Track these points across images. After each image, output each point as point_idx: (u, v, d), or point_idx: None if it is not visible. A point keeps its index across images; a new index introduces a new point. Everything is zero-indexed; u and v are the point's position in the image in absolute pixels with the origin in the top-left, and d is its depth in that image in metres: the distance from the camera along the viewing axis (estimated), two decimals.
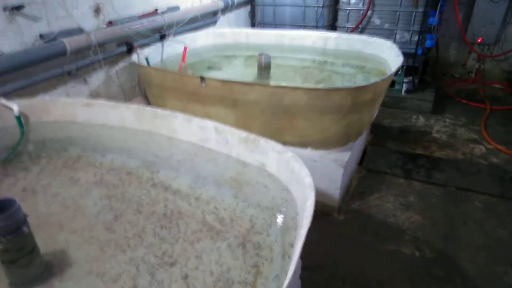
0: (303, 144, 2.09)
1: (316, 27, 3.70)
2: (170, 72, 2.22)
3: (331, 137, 2.05)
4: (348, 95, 1.86)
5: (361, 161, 2.70)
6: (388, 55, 2.45)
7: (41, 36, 1.85)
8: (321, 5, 3.64)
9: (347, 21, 3.64)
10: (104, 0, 2.20)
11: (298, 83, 2.57)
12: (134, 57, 2.30)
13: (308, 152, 2.10)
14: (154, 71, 2.24)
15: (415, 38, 3.39)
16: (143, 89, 2.57)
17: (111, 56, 2.27)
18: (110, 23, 2.24)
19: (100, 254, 1.18)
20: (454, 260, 1.84)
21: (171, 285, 1.08)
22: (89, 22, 2.13)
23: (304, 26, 3.75)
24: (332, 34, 2.97)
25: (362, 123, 2.15)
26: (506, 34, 3.95)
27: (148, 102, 2.50)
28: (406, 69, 3.50)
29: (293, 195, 1.20)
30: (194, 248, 1.20)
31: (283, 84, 1.88)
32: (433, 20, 3.37)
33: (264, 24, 3.98)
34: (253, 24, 4.09)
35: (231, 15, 3.74)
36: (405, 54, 2.31)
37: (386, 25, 3.48)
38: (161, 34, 2.60)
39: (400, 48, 2.37)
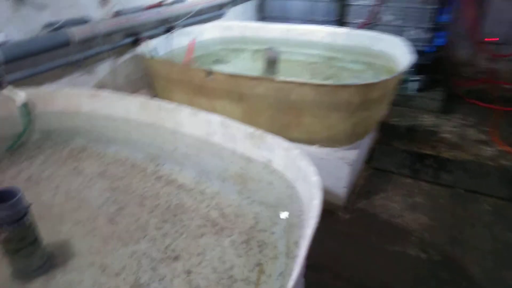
0: (310, 141, 2.06)
1: (325, 22, 3.65)
2: (176, 65, 2.20)
3: (339, 135, 2.02)
4: (357, 92, 1.82)
5: (368, 160, 2.67)
6: (398, 52, 2.41)
7: (47, 25, 1.83)
8: (331, 0, 3.58)
9: (357, 17, 3.58)
10: None
11: (305, 78, 2.54)
12: (140, 48, 2.28)
13: (315, 149, 2.07)
14: (160, 63, 2.22)
15: (427, 35, 3.33)
16: (149, 81, 2.55)
17: (117, 47, 2.25)
18: (116, 14, 2.22)
19: (103, 246, 1.16)
20: (461, 263, 1.81)
21: (173, 280, 1.06)
22: (95, 12, 2.10)
23: (313, 21, 3.70)
24: (341, 30, 2.92)
25: (371, 121, 2.11)
26: None
27: (154, 94, 2.48)
28: (416, 67, 3.44)
29: (299, 193, 1.17)
30: (197, 244, 1.18)
31: (290, 79, 1.85)
32: (446, 18, 3.30)
33: (272, 18, 3.93)
34: (261, 18, 4.05)
35: (238, 8, 3.70)
36: (415, 52, 2.27)
37: (397, 22, 3.42)
38: (168, 26, 2.57)
39: (411, 45, 2.32)
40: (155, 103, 1.59)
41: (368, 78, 2.54)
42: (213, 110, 2.00)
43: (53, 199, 1.36)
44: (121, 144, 1.68)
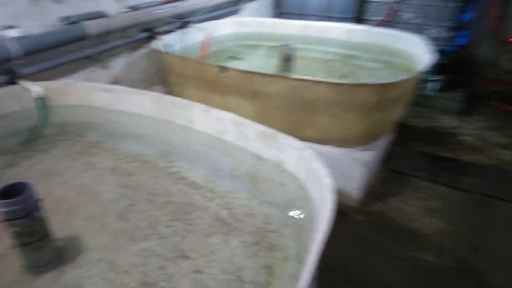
0: (324, 141, 2.02)
1: (343, 19, 3.58)
2: (190, 60, 2.18)
3: (354, 135, 1.97)
4: (374, 92, 1.77)
5: (384, 161, 2.61)
6: (417, 51, 2.33)
7: (63, 19, 1.84)
8: None
9: (376, 14, 3.50)
10: None
11: (320, 76, 2.49)
12: (155, 43, 2.27)
13: (329, 149, 2.02)
14: (175, 59, 2.21)
15: (448, 34, 3.23)
16: (163, 77, 2.55)
17: (132, 41, 2.25)
18: (132, 8, 2.21)
19: (112, 243, 1.16)
20: (478, 271, 1.75)
21: (181, 279, 1.05)
22: (111, 6, 2.10)
23: (330, 18, 3.63)
24: (359, 27, 2.86)
25: (387, 122, 2.06)
26: None
27: (168, 90, 2.48)
28: (437, 67, 3.34)
29: (310, 194, 1.14)
30: (206, 243, 1.16)
31: (305, 77, 1.81)
32: (468, 16, 3.19)
33: (288, 14, 3.88)
34: (277, 14, 4.00)
35: (254, 4, 3.67)
36: (436, 51, 2.19)
37: (417, 20, 3.33)
38: (183, 21, 2.56)
39: (431, 44, 2.25)
40: (168, 99, 1.58)
41: (386, 77, 2.47)
42: (226, 107, 1.98)
43: (65, 193, 1.36)
44: (133, 140, 1.67)
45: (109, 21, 1.96)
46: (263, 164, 1.34)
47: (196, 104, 1.49)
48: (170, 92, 2.41)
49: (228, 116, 1.41)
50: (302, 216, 1.19)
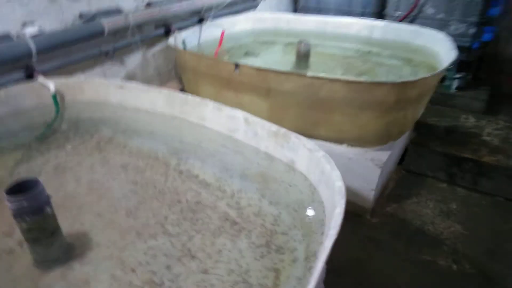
0: (339, 140, 1.98)
1: (363, 14, 3.49)
2: (204, 57, 2.17)
3: (370, 135, 1.92)
4: (392, 91, 1.71)
5: (400, 161, 2.54)
6: (440, 48, 2.25)
7: (81, 15, 1.86)
8: None
9: (397, 9, 3.39)
10: None
11: (338, 74, 2.44)
12: (170, 40, 2.27)
13: (344, 148, 1.98)
14: (189, 55, 2.20)
15: (472, 30, 3.09)
16: (178, 73, 2.55)
17: (149, 38, 2.26)
18: (148, 5, 2.22)
19: (121, 240, 1.17)
20: (497, 278, 1.68)
21: (188, 279, 1.04)
22: (128, 3, 2.11)
23: (350, 13, 3.55)
24: (379, 23, 2.78)
25: (406, 122, 1.99)
26: None
27: (182, 86, 2.48)
28: (459, 64, 3.22)
29: (321, 197, 1.11)
30: (214, 244, 1.15)
31: (321, 75, 1.77)
32: (495, 11, 3.04)
33: (307, 10, 3.81)
34: (295, 10, 3.94)
35: (272, 0, 3.62)
36: (459, 48, 2.10)
37: (440, 15, 3.20)
38: (199, 17, 2.55)
39: (455, 40, 2.15)
40: (181, 96, 1.57)
41: (406, 75, 2.39)
42: (239, 104, 1.96)
43: (77, 189, 1.38)
44: (145, 137, 1.68)
45: (126, 17, 1.97)
46: (274, 164, 1.32)
47: (208, 101, 1.48)
48: (184, 89, 2.41)
49: (240, 114, 1.39)
50: (311, 218, 1.16)
